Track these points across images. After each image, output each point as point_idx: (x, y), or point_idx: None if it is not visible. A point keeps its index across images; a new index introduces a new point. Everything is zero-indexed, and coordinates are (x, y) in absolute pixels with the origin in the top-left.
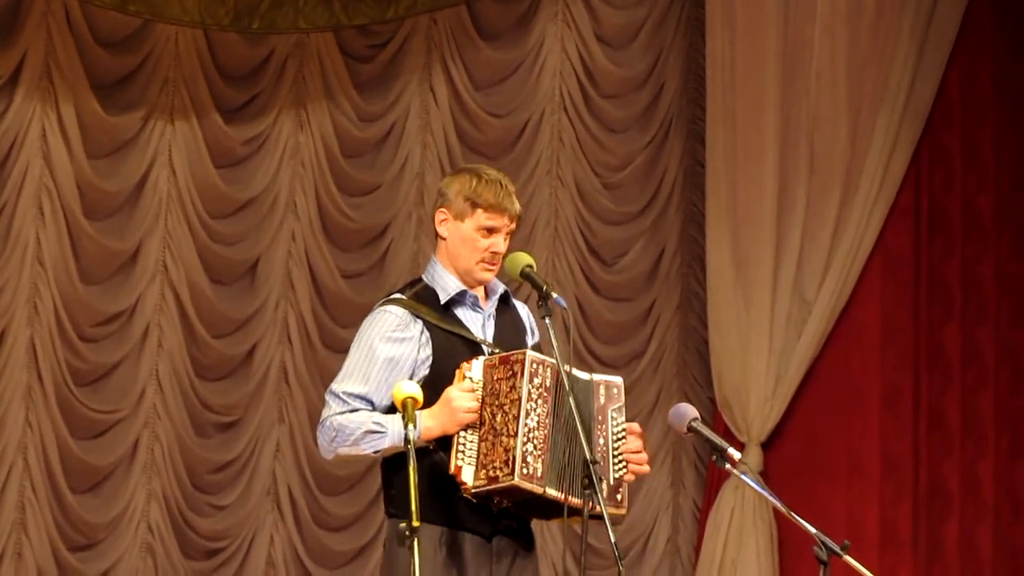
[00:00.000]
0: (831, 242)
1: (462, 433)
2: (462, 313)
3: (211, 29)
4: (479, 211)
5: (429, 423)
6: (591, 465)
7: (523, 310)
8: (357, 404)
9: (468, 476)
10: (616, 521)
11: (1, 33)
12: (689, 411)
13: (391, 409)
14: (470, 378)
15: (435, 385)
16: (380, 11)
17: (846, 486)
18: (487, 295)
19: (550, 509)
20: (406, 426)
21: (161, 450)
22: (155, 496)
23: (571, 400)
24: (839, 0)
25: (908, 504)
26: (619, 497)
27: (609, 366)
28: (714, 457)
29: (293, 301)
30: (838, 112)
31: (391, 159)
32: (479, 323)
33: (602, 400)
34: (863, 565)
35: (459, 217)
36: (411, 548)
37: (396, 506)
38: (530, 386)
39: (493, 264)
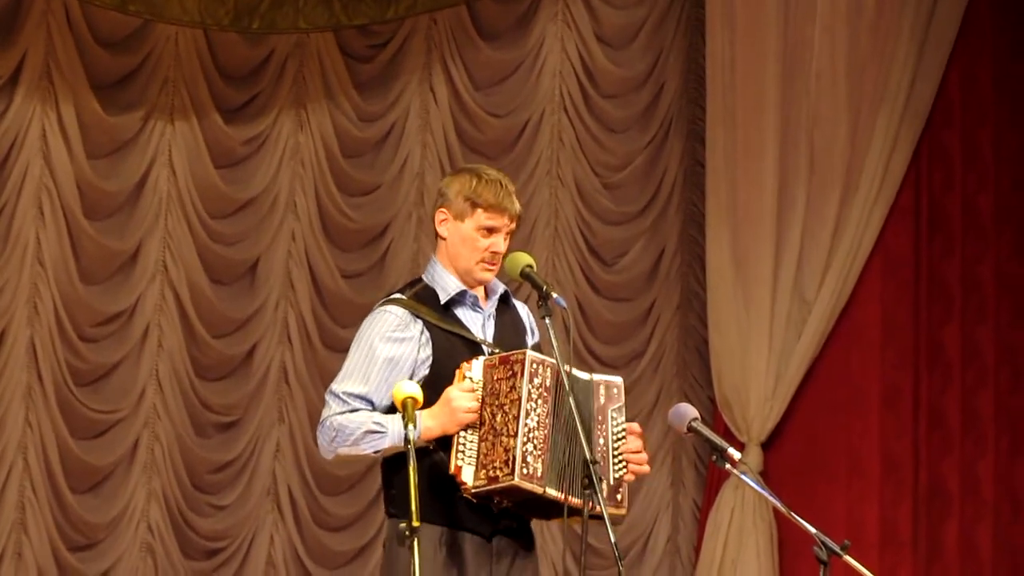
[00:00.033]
0: (831, 242)
1: (462, 433)
2: (462, 313)
3: (211, 29)
4: (479, 211)
5: (429, 423)
6: (591, 465)
7: (523, 310)
8: (357, 404)
9: (468, 476)
10: (616, 521)
11: (1, 33)
12: (689, 411)
13: (391, 409)
14: (470, 378)
15: (435, 385)
16: (380, 11)
17: (846, 486)
18: (487, 295)
19: (550, 509)
20: (406, 426)
21: (161, 450)
22: (155, 496)
23: (571, 400)
24: (839, 0)
25: (908, 504)
26: (619, 497)
27: (609, 366)
28: (714, 457)
29: (293, 301)
30: (838, 112)
31: (391, 159)
32: (479, 323)
33: (602, 400)
34: (863, 565)
35: (459, 217)
36: (411, 548)
37: (396, 506)
38: (530, 386)
39: (493, 264)
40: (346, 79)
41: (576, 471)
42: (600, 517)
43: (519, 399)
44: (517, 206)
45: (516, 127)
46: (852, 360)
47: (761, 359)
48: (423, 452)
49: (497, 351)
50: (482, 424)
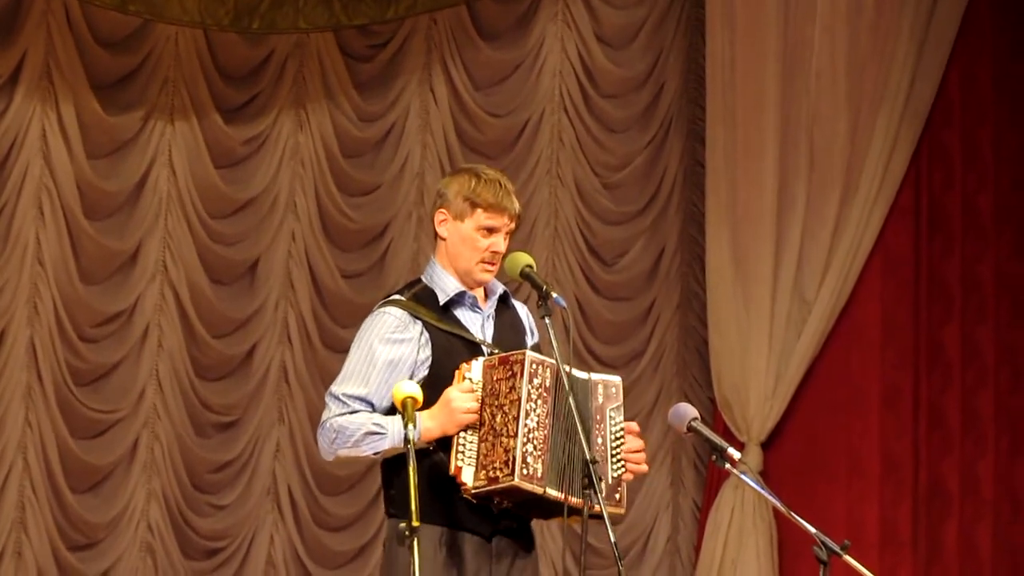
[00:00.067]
0: (831, 241)
1: (462, 434)
2: (461, 314)
3: (211, 29)
4: (479, 211)
5: (429, 424)
6: (591, 464)
7: (522, 310)
8: (357, 406)
9: (468, 477)
10: (615, 520)
11: (1, 33)
12: (689, 411)
13: (391, 410)
14: (469, 379)
15: (435, 386)
16: (380, 11)
17: (846, 486)
18: (486, 296)
19: (551, 509)
20: (405, 426)
21: (161, 450)
22: (155, 496)
23: (571, 400)
24: (839, 0)
25: (908, 504)
26: (617, 496)
27: (609, 366)
28: (714, 457)
29: (293, 301)
30: (838, 111)
31: (391, 159)
32: (478, 324)
33: (600, 399)
34: (863, 565)
35: (459, 217)
36: (411, 548)
37: (396, 506)
38: (530, 386)
39: (493, 264)
40: (346, 79)
41: (576, 471)
42: (600, 517)
43: (519, 400)
44: (517, 205)
45: (516, 127)
46: (852, 360)
47: (761, 359)
48: (423, 453)
49: (496, 352)
50: (482, 425)
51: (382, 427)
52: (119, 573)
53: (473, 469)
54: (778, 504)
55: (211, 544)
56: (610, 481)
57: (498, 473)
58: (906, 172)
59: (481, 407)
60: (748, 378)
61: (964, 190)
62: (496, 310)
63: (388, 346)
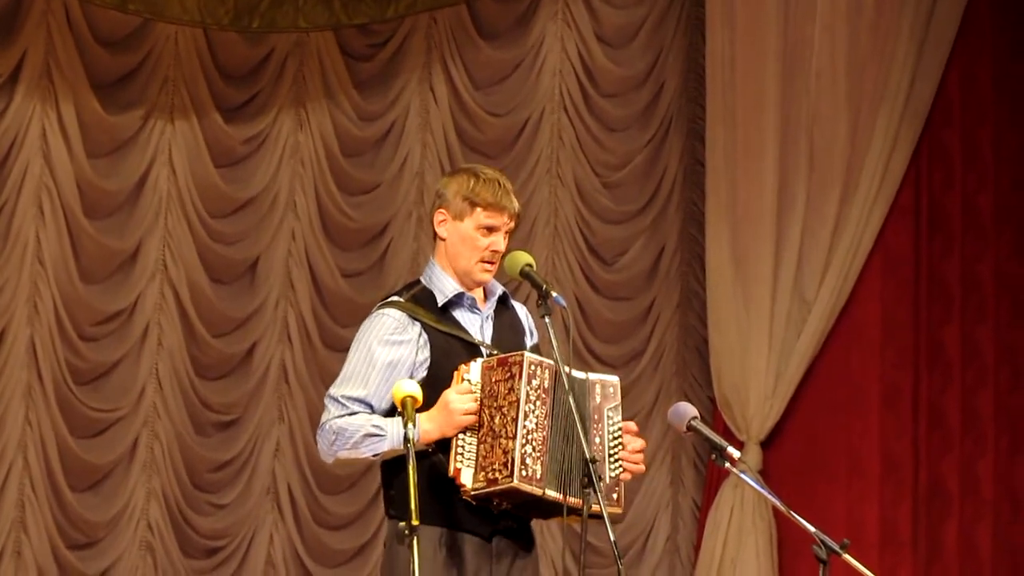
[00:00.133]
0: (831, 241)
1: (461, 435)
2: (460, 315)
3: (211, 28)
4: (478, 210)
5: (427, 426)
6: (590, 464)
7: (522, 311)
8: (356, 407)
9: (467, 478)
10: (613, 520)
11: (1, 32)
12: (689, 410)
13: (390, 412)
14: (468, 380)
15: (433, 387)
16: (380, 10)
17: (846, 485)
18: (486, 296)
19: (550, 509)
20: (405, 424)
21: (161, 449)
22: (155, 495)
23: (571, 399)
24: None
25: (908, 503)
26: (615, 496)
27: (609, 365)
28: (714, 456)
29: (293, 300)
30: (838, 111)
31: (391, 158)
32: (477, 325)
33: (598, 399)
34: (863, 564)
35: (458, 217)
36: (411, 547)
37: (396, 507)
38: (528, 388)
39: (493, 263)
40: (346, 78)
41: (575, 471)
42: (599, 516)
43: (517, 401)
44: (516, 204)
45: (516, 126)
46: (852, 359)
47: (761, 358)
48: (422, 454)
49: (495, 353)
50: (481, 426)
51: (381, 429)
52: (119, 572)
53: (472, 471)
54: (778, 503)
55: (211, 543)
56: (608, 481)
57: (497, 475)
58: (906, 172)
59: (480, 409)
60: (748, 377)
61: (964, 190)
62: (495, 311)
63: (387, 348)
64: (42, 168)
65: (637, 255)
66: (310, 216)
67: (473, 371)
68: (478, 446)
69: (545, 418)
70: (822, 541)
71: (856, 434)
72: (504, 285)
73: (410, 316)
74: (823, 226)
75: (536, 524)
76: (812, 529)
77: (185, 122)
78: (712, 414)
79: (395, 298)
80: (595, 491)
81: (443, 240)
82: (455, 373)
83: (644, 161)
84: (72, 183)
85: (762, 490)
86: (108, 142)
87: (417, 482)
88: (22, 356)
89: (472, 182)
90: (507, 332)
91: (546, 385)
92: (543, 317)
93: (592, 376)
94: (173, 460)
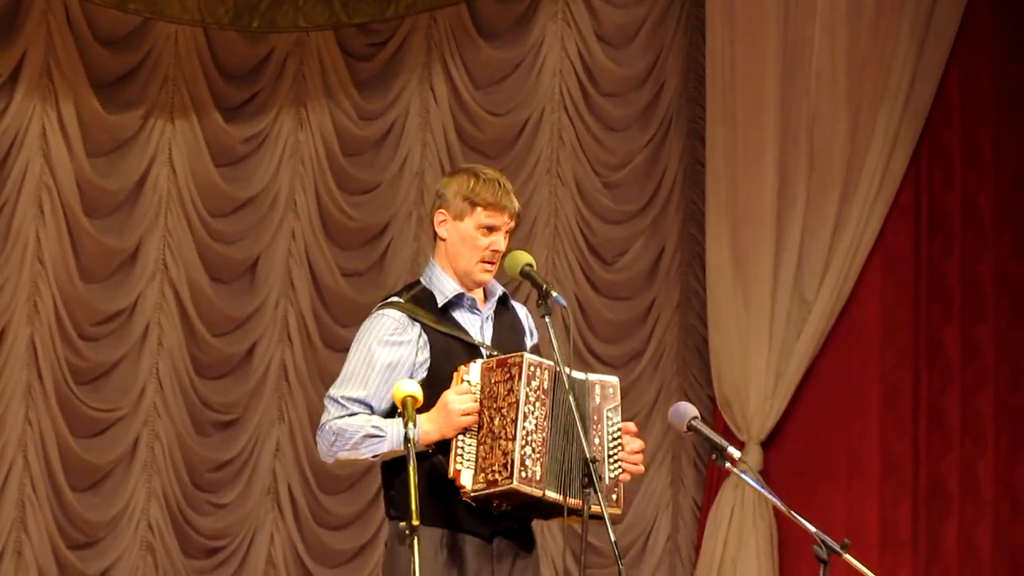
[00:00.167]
0: (831, 240)
1: (460, 437)
2: (460, 316)
3: (211, 27)
4: (478, 210)
5: (427, 427)
6: (590, 464)
7: (522, 311)
8: (356, 408)
9: (467, 480)
10: (613, 520)
11: (1, 31)
12: (689, 410)
13: (390, 412)
14: (468, 381)
15: (433, 388)
16: (380, 9)
17: (846, 485)
18: (486, 297)
19: (550, 510)
20: (406, 424)
21: (161, 448)
22: (155, 494)
23: (571, 399)
24: None
25: (908, 503)
26: (615, 497)
27: (609, 365)
28: (714, 456)
29: (293, 300)
30: (838, 111)
31: (391, 158)
32: (477, 325)
33: (598, 400)
34: (863, 564)
35: (458, 217)
36: (411, 547)
37: (397, 508)
38: (528, 389)
39: (493, 263)
40: (346, 78)
41: (575, 472)
42: (600, 517)
43: (517, 402)
44: (516, 204)
45: (516, 126)
46: (852, 359)
47: (761, 358)
48: (422, 455)
49: (495, 354)
50: (480, 427)
51: (381, 430)
52: (119, 572)
53: (472, 472)
54: (778, 503)
55: (211, 543)
56: (607, 482)
57: (497, 476)
58: (906, 172)
59: (479, 410)
60: (748, 377)
61: (964, 190)
62: (495, 311)
63: (387, 348)
64: (42, 167)
65: (637, 255)
66: (310, 216)
67: (473, 372)
68: (478, 447)
69: (545, 419)
70: (822, 541)
71: (856, 434)
72: (504, 285)
73: (410, 317)
74: (823, 226)
75: (537, 524)
76: (812, 529)
77: (185, 121)
78: (712, 414)
79: (395, 299)
80: (595, 491)
81: (443, 240)
82: (455, 374)
83: (644, 161)
84: (72, 182)
85: (762, 490)
86: (108, 141)
87: (417, 483)
88: (22, 356)
89: (472, 182)
90: (507, 333)
91: (545, 386)
92: (543, 317)
93: (592, 377)
94: (173, 460)
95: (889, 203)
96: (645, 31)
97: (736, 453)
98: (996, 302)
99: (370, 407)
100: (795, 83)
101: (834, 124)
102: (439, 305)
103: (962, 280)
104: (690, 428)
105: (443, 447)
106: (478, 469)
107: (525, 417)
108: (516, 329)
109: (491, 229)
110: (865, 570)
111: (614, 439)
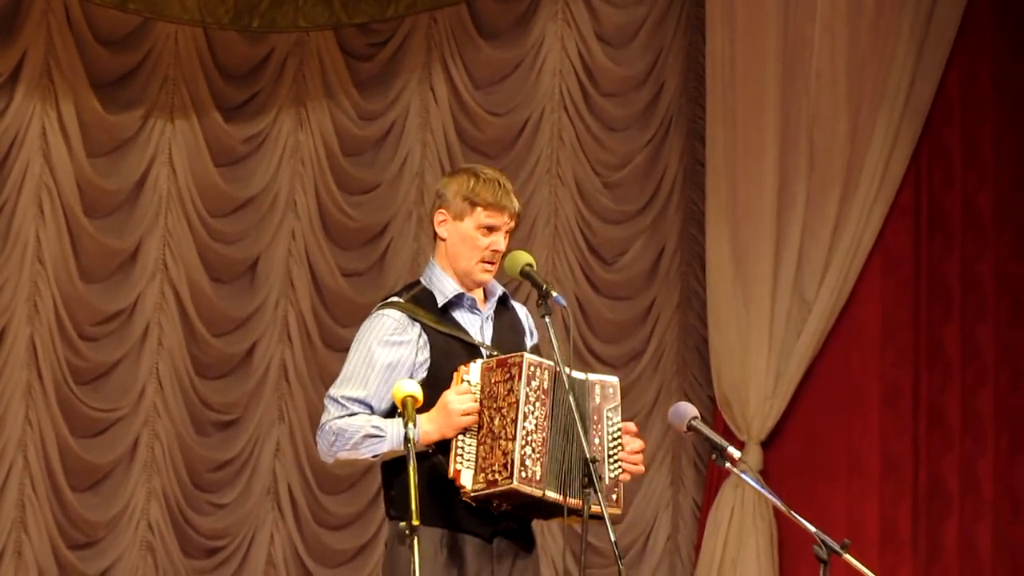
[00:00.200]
0: (831, 240)
1: (460, 437)
2: (460, 316)
3: (211, 27)
4: (478, 209)
5: (427, 427)
6: (590, 464)
7: (522, 311)
8: (356, 408)
9: (467, 480)
10: (612, 520)
11: (1, 31)
12: (689, 410)
13: (390, 412)
14: (468, 381)
15: (433, 388)
16: (380, 9)
17: (846, 485)
18: (486, 297)
19: (550, 510)
20: (406, 424)
21: (161, 448)
22: (155, 494)
23: (571, 399)
24: None
25: (908, 503)
26: (614, 497)
27: (609, 365)
28: (714, 456)
29: (293, 299)
30: (838, 110)
31: (391, 158)
32: (477, 325)
33: (598, 400)
34: (863, 564)
35: (458, 217)
36: (411, 546)
37: (397, 508)
38: (528, 389)
39: (493, 263)
40: (346, 77)
41: (575, 472)
42: (600, 517)
43: (517, 402)
44: (516, 204)
45: (516, 126)
46: (852, 359)
47: (761, 358)
48: (422, 455)
49: (495, 354)
50: (480, 428)
51: (381, 430)
52: (119, 572)
53: (472, 472)
54: (778, 503)
55: (211, 543)
56: (607, 482)
57: (497, 476)
58: (906, 171)
59: (479, 410)
60: (748, 377)
61: (964, 189)
62: (495, 311)
63: (386, 348)
64: (42, 167)
65: (637, 255)
66: (310, 215)
67: (472, 372)
68: (478, 447)
69: (545, 419)
70: (822, 541)
71: (856, 433)
72: (504, 285)
73: (410, 317)
74: (823, 226)
75: (537, 524)
76: (812, 529)
77: (185, 121)
78: (712, 414)
79: (395, 299)
80: (595, 491)
81: (443, 240)
82: (455, 374)
83: (644, 161)
84: (72, 182)
85: (762, 490)
86: (108, 141)
87: (417, 483)
88: (22, 355)
89: (472, 182)
90: (507, 333)
91: (545, 386)
92: (543, 317)
93: (592, 377)
94: (173, 460)
95: (889, 203)
96: (645, 31)
97: (736, 453)
98: (996, 302)
99: (370, 407)
100: (795, 83)
101: (834, 124)
102: (439, 305)
103: (962, 280)
104: (690, 428)
105: (443, 447)
106: (478, 469)
107: (525, 417)
108: (516, 329)
109: (491, 229)
110: (865, 570)
111: (614, 439)
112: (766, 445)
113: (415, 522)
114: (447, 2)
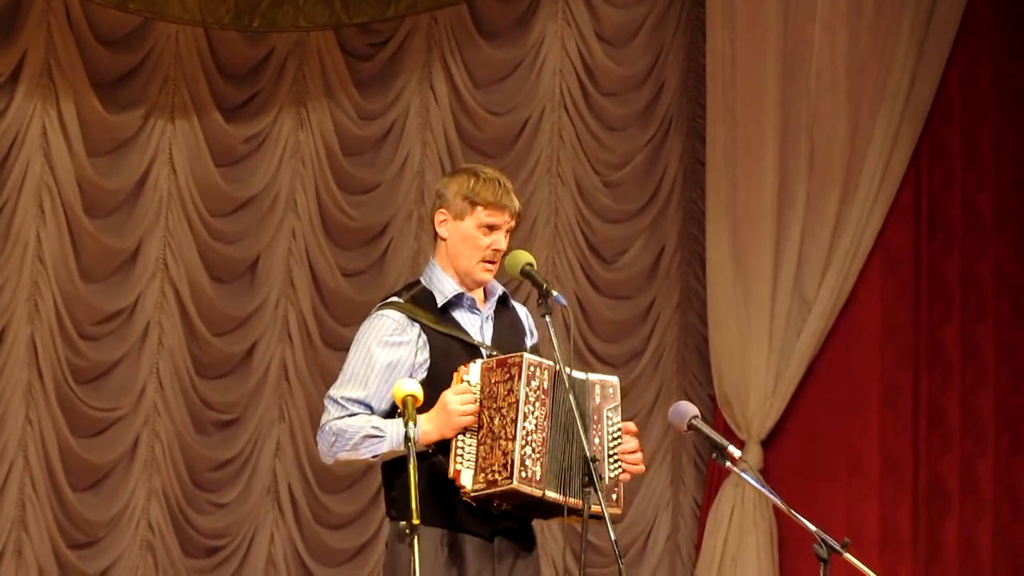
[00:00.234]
0: (831, 240)
1: (460, 437)
2: (460, 316)
3: (211, 27)
4: (479, 209)
5: (427, 427)
6: (591, 463)
7: (522, 311)
8: (356, 409)
9: (467, 480)
10: (613, 520)
11: (2, 31)
12: (689, 409)
13: (390, 413)
14: (467, 381)
15: (433, 388)
16: (380, 9)
17: (846, 484)
18: (486, 297)
19: (550, 510)
20: (406, 424)
21: (161, 448)
22: (155, 494)
23: (571, 399)
24: None
25: (908, 502)
26: (614, 497)
27: (609, 364)
28: (714, 455)
29: (293, 299)
30: (838, 110)
31: (391, 157)
32: (477, 325)
33: (598, 400)
34: (863, 563)
35: (459, 216)
36: (411, 546)
37: (397, 508)
38: (527, 389)
39: (494, 263)
40: (346, 77)
41: (575, 472)
42: (600, 516)
43: (517, 402)
44: (516, 203)
45: (516, 125)
46: (852, 359)
47: (761, 357)
48: (422, 455)
49: (495, 354)
50: (480, 427)
51: (381, 430)
52: (119, 571)
53: (472, 472)
54: (778, 502)
55: (211, 542)
56: (607, 481)
57: (497, 476)
58: (906, 171)
59: (479, 410)
60: (748, 376)
61: (964, 189)
62: (495, 311)
63: (386, 349)
64: (43, 167)
65: (637, 254)
66: (310, 215)
67: (472, 372)
68: (478, 447)
69: (545, 419)
70: (823, 540)
71: (856, 433)
72: (504, 284)
73: (409, 317)
74: (823, 226)
75: (537, 524)
76: (813, 528)
77: (185, 121)
78: (712, 413)
79: (394, 299)
80: (595, 491)
81: (444, 240)
82: (454, 374)
83: (644, 160)
84: (73, 182)
85: (763, 489)
86: (108, 141)
87: (418, 483)
88: (22, 355)
89: (472, 181)
90: (507, 332)
91: (545, 386)
92: (543, 316)
93: (592, 376)
94: (174, 459)
95: (889, 203)
96: (645, 30)
97: (736, 452)
98: (996, 302)
99: (370, 407)
100: (795, 83)
101: (834, 124)
102: (439, 305)
103: (962, 280)
104: (690, 427)
105: (443, 447)
106: (478, 469)
107: (525, 417)
108: (516, 329)
109: (492, 228)
110: (865, 569)
111: (614, 439)
112: (766, 444)
113: (415, 522)
114: (447, 2)
